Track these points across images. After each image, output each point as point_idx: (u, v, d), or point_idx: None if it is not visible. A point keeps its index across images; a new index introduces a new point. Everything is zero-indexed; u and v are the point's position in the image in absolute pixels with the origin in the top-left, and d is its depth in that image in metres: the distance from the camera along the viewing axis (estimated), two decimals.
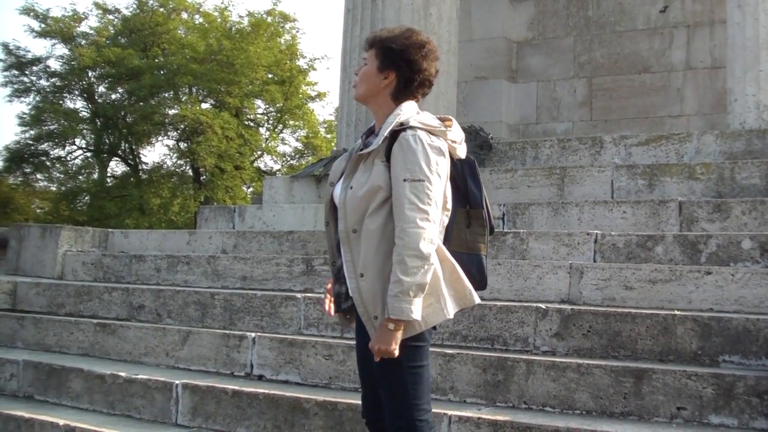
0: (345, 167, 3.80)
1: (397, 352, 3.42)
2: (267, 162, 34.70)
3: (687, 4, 11.43)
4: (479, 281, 3.77)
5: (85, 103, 32.82)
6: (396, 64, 3.68)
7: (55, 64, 32.19)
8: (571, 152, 8.84)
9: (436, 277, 3.51)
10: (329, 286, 3.93)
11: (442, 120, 3.70)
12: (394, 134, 3.56)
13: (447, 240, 3.66)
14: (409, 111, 3.66)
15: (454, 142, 3.70)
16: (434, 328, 3.62)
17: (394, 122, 3.59)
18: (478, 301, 3.70)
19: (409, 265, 3.37)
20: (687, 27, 11.39)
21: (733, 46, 8.65)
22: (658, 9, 11.59)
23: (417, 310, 3.41)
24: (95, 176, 33.37)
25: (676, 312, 5.30)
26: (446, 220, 3.67)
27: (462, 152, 3.77)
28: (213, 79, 29.75)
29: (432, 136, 3.56)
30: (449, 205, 3.68)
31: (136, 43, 31.91)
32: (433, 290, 3.51)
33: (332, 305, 3.93)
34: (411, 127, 3.54)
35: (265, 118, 34.78)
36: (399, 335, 3.43)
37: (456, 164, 3.73)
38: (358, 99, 3.87)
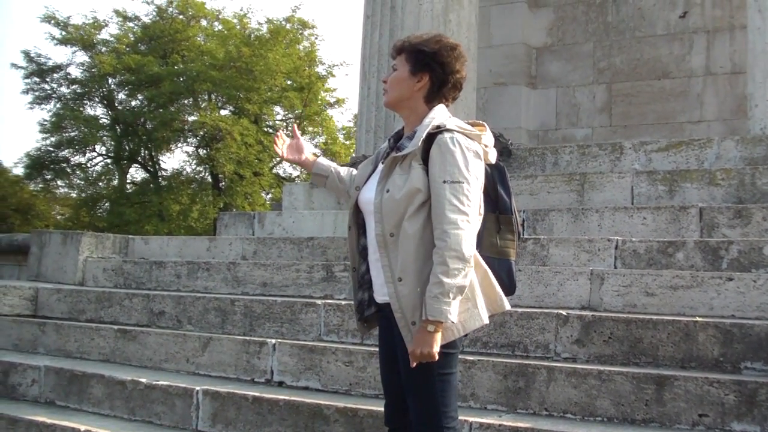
0: (371, 171, 3.81)
1: (437, 356, 3.41)
2: (286, 168, 34.76)
3: (707, 9, 11.38)
4: (509, 287, 3.78)
5: (105, 110, 33.05)
6: (429, 66, 3.70)
7: (75, 72, 32.50)
8: (591, 158, 8.81)
9: (471, 282, 3.51)
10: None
11: (474, 125, 3.71)
12: (431, 137, 3.56)
13: (477, 245, 3.64)
14: (442, 115, 3.67)
15: (486, 146, 3.71)
16: (465, 335, 3.61)
17: (430, 125, 3.59)
18: (508, 307, 3.71)
19: (451, 266, 3.37)
20: (707, 32, 11.34)
21: (753, 51, 8.60)
22: (677, 14, 11.55)
23: (455, 312, 3.40)
24: (115, 183, 33.58)
25: (698, 318, 5.27)
26: (478, 225, 3.66)
27: (493, 157, 3.78)
28: (232, 85, 29.88)
29: (468, 139, 3.57)
30: (482, 210, 3.66)
31: (155, 50, 32.10)
32: (469, 295, 3.51)
33: (284, 147, 4.29)
34: (448, 130, 3.55)
35: (284, 124, 34.85)
36: (439, 338, 3.41)
37: (486, 170, 3.73)
38: (388, 105, 3.86)
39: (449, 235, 3.38)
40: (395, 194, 3.52)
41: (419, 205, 3.50)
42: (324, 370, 5.89)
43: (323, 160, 4.25)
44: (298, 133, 4.32)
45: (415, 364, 3.44)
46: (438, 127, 3.57)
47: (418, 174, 3.52)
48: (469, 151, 3.52)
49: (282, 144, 4.27)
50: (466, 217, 3.42)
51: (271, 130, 33.75)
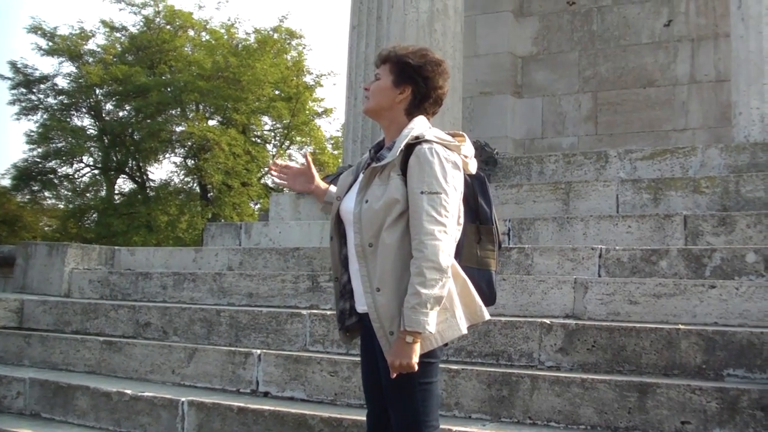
0: (352, 181, 3.82)
1: (416, 366, 3.41)
2: (274, 178, 34.71)
3: (691, 17, 11.45)
4: (489, 297, 3.78)
5: (92, 120, 32.89)
6: (413, 79, 3.70)
7: (62, 82, 32.32)
8: (576, 167, 8.85)
9: (450, 292, 3.51)
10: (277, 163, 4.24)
11: (454, 136, 3.72)
12: (409, 148, 3.56)
13: (458, 255, 3.65)
14: (422, 126, 3.67)
15: (466, 156, 3.72)
16: (446, 344, 3.61)
17: (409, 135, 3.59)
18: (488, 317, 3.71)
19: (428, 277, 3.37)
20: (691, 41, 11.40)
21: (737, 60, 8.66)
22: (662, 23, 11.62)
23: (432, 323, 3.40)
24: (103, 194, 33.41)
25: (681, 326, 5.30)
26: (458, 236, 3.66)
27: (473, 167, 3.79)
28: (220, 95, 29.80)
29: (447, 150, 3.57)
30: (461, 221, 3.67)
31: (143, 60, 31.99)
32: (448, 305, 3.51)
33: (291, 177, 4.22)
34: (427, 141, 3.56)
35: (272, 134, 34.81)
36: (417, 348, 3.41)
37: (467, 180, 3.74)
38: (368, 112, 3.86)
39: (426, 246, 3.38)
40: (374, 204, 3.53)
41: (398, 215, 3.50)
42: (309, 380, 5.89)
43: (335, 188, 4.17)
44: (312, 164, 4.23)
45: (395, 375, 3.44)
46: (417, 137, 3.57)
47: (396, 184, 3.52)
48: (448, 161, 3.53)
49: (286, 171, 4.21)
50: (444, 228, 3.42)
51: (259, 140, 33.73)
